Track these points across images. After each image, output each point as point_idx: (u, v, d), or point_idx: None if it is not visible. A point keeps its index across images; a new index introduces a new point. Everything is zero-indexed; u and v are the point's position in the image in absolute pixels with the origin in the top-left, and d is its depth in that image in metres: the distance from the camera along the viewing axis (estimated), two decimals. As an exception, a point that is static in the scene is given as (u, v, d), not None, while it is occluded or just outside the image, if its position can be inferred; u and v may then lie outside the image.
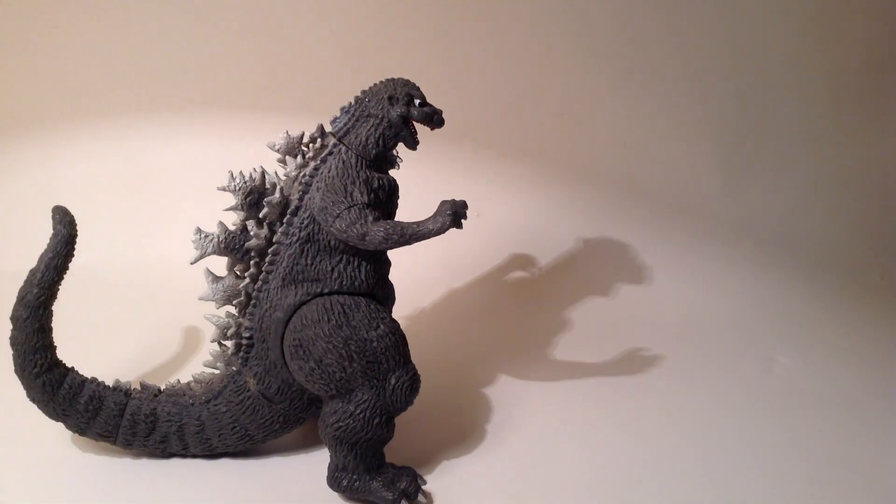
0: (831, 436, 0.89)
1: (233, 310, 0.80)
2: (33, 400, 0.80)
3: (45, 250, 0.78)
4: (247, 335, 0.78)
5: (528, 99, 1.41)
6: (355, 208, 0.75)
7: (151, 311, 1.18)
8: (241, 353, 0.79)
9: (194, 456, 0.82)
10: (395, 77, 0.82)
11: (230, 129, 1.42)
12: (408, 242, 0.74)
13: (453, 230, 0.75)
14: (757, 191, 1.45)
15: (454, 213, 0.74)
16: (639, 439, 0.88)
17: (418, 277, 1.30)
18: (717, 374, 1.03)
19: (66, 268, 0.79)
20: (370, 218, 0.74)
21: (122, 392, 0.81)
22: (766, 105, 1.45)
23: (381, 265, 0.80)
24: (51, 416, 0.80)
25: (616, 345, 1.10)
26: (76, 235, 0.78)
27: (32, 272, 0.78)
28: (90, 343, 1.01)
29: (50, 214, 0.78)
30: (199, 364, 0.87)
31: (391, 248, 0.75)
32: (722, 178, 1.44)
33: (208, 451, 0.82)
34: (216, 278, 0.79)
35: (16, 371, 0.79)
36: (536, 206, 1.41)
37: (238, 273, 0.79)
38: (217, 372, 0.82)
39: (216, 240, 0.78)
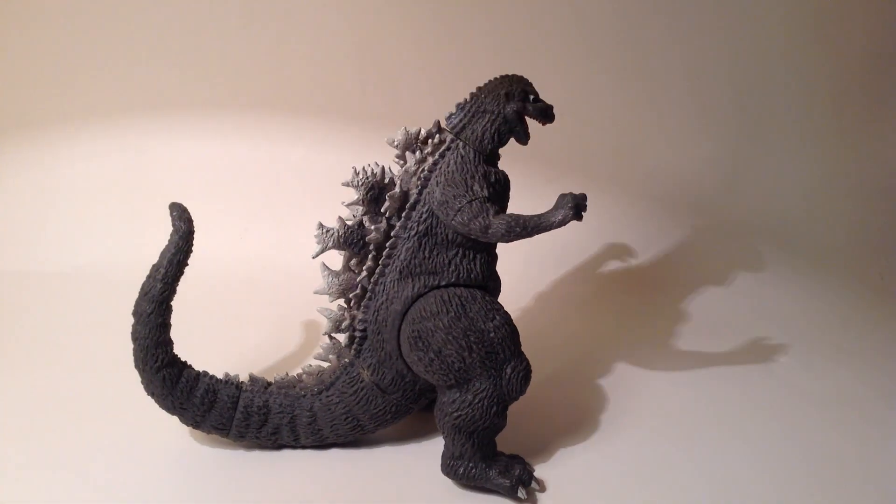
0: (831, 436, 0.89)
1: (340, 303, 0.82)
2: (152, 394, 0.81)
3: (167, 246, 0.79)
4: (361, 328, 0.80)
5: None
6: (476, 202, 0.76)
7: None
8: (354, 346, 0.81)
9: (304, 447, 0.84)
10: (510, 73, 0.84)
11: (230, 130, 1.43)
12: (529, 234, 0.76)
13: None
14: (757, 190, 1.45)
15: (576, 206, 0.76)
16: (635, 436, 0.88)
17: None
18: (717, 373, 1.03)
19: (186, 263, 0.80)
20: (491, 211, 0.76)
21: (233, 385, 0.82)
22: (766, 105, 1.45)
23: (493, 258, 0.82)
24: (168, 410, 0.81)
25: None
26: (194, 231, 0.80)
27: (155, 268, 0.79)
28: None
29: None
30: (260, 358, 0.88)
31: (512, 240, 0.76)
32: (722, 178, 1.44)
33: (318, 442, 0.84)
34: (331, 273, 0.81)
35: (136, 365, 0.80)
36: (537, 207, 1.41)
37: (352, 267, 0.81)
38: (325, 364, 0.84)
39: (336, 234, 0.79)
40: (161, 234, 1.37)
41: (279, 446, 0.84)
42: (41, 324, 1.14)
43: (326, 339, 0.83)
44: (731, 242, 1.38)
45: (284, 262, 1.36)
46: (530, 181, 1.42)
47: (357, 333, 0.81)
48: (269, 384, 0.84)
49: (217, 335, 1.10)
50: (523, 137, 0.84)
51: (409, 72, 1.40)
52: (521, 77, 0.84)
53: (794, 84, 1.44)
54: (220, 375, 0.83)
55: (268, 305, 1.21)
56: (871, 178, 1.49)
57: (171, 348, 0.81)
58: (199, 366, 0.84)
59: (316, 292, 0.81)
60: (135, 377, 0.98)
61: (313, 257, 0.80)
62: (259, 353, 1.06)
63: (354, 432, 0.83)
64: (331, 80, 1.40)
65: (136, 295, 1.24)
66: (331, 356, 0.83)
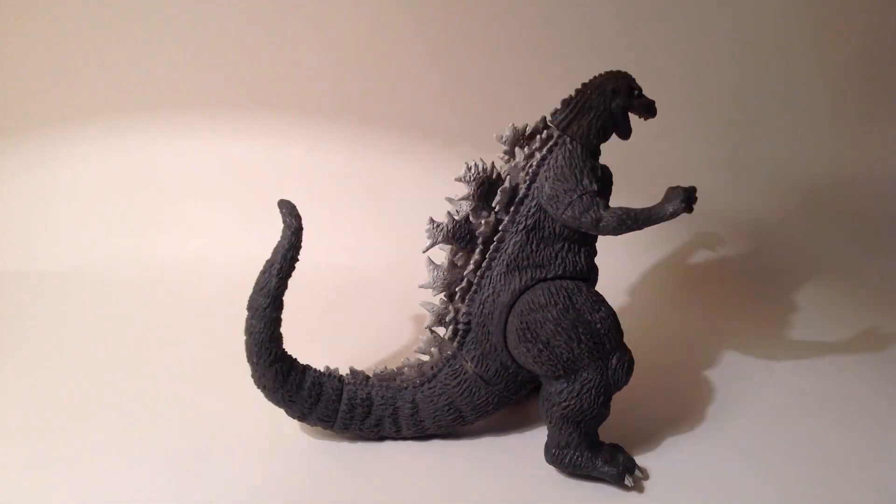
0: (831, 436, 0.89)
1: (441, 297, 0.83)
2: (263, 387, 0.82)
3: (281, 242, 0.81)
4: (465, 320, 0.82)
5: (527, 99, 1.41)
6: (587, 196, 0.78)
7: (152, 312, 1.19)
8: (457, 338, 0.83)
9: (404, 438, 0.86)
10: (614, 69, 0.86)
11: (230, 130, 1.43)
12: (640, 227, 0.78)
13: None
14: (756, 190, 1.45)
15: (687, 198, 0.78)
16: (633, 437, 0.88)
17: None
18: (716, 373, 1.03)
19: (297, 259, 0.82)
20: (602, 205, 0.78)
21: (336, 378, 0.84)
22: (765, 105, 1.45)
23: (594, 251, 0.84)
24: (276, 402, 0.83)
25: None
26: (303, 227, 0.81)
27: (270, 263, 0.81)
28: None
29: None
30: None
31: (622, 233, 0.78)
32: (720, 178, 1.44)
33: (419, 433, 0.85)
34: (436, 267, 0.83)
35: (249, 358, 0.82)
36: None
37: (455, 261, 0.82)
38: (425, 357, 0.86)
39: (445, 229, 0.81)
40: (161, 233, 1.39)
41: (380, 438, 0.86)
42: (41, 324, 1.14)
43: (427, 333, 0.85)
44: (728, 242, 1.38)
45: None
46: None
47: (461, 326, 0.82)
48: (369, 377, 0.85)
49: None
50: (626, 133, 0.86)
51: (409, 72, 1.40)
52: (626, 73, 0.86)
53: (793, 84, 1.44)
54: (334, 368, 0.85)
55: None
56: (871, 178, 1.49)
57: (282, 343, 0.83)
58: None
59: (421, 286, 0.83)
60: (134, 377, 0.98)
61: (424, 252, 0.82)
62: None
63: (455, 423, 0.85)
64: (331, 80, 1.40)
65: (136, 295, 1.25)
66: (432, 349, 0.84)
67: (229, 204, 1.41)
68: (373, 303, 1.23)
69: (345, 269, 1.34)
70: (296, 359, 0.84)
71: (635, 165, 1.44)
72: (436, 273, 0.82)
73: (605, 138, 0.84)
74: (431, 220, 0.81)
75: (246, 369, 1.01)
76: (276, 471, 0.82)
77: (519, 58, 1.39)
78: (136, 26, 1.39)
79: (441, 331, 0.84)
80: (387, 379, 0.85)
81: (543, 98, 1.43)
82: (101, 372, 1.00)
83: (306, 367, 0.84)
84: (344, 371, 0.86)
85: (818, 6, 1.41)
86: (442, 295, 0.83)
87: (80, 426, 0.88)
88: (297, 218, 0.81)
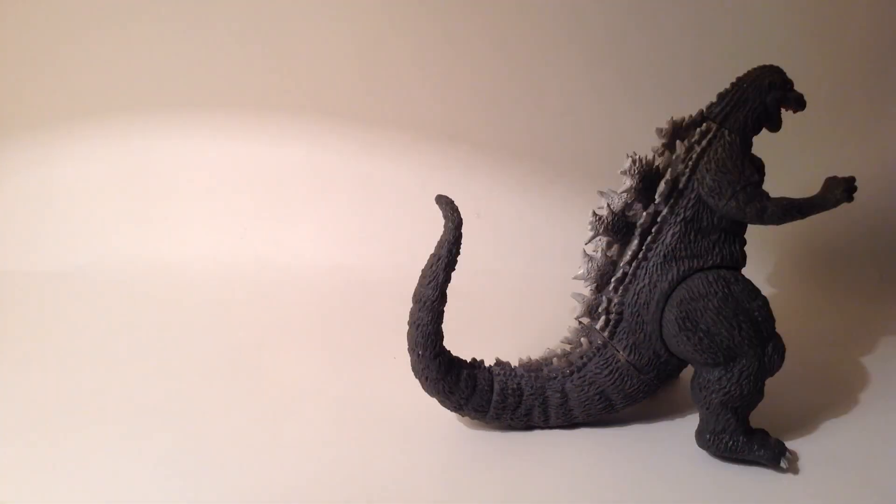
0: (831, 436, 0.89)
1: (588, 288, 0.85)
2: (425, 378, 0.84)
3: (445, 237, 0.83)
4: (617, 310, 0.84)
5: (528, 99, 1.41)
6: (750, 187, 0.81)
7: (152, 312, 1.19)
8: (608, 328, 0.84)
9: (552, 427, 0.87)
10: (768, 64, 0.89)
11: (231, 129, 1.43)
12: (803, 216, 0.82)
13: None
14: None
15: (847, 189, 0.81)
16: (631, 437, 0.88)
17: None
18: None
19: (459, 252, 0.84)
20: (765, 195, 0.81)
21: (486, 370, 0.86)
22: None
23: (744, 241, 0.85)
24: (434, 393, 0.84)
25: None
26: (462, 221, 0.83)
27: (436, 257, 0.83)
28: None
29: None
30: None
31: (786, 222, 0.82)
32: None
33: (567, 422, 0.87)
34: (591, 258, 0.85)
35: (413, 349, 0.84)
36: (536, 206, 1.41)
37: (608, 253, 0.84)
38: (568, 347, 0.88)
39: (606, 221, 0.83)
40: (161, 233, 1.39)
41: (528, 427, 0.87)
42: (41, 324, 1.14)
43: (575, 323, 0.87)
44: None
45: (284, 262, 1.36)
46: (530, 181, 1.42)
47: (613, 316, 0.84)
48: (515, 367, 0.87)
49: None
50: (777, 125, 0.88)
51: (409, 72, 1.40)
52: (778, 67, 0.89)
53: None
54: (479, 360, 0.87)
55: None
56: (871, 177, 1.49)
57: (443, 336, 0.84)
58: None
59: (575, 278, 0.85)
60: (134, 377, 0.98)
61: (586, 244, 0.84)
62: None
63: (604, 412, 0.86)
64: (331, 80, 1.40)
65: (136, 295, 1.25)
66: (582, 339, 0.86)
67: (229, 204, 1.41)
68: (372, 303, 1.23)
69: (345, 269, 1.34)
70: (450, 351, 0.85)
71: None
72: (590, 265, 0.84)
73: (758, 131, 0.86)
74: (594, 214, 0.83)
75: (245, 369, 1.01)
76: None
77: (519, 58, 1.39)
78: (137, 26, 1.38)
79: (585, 320, 0.86)
80: (534, 369, 0.87)
81: (543, 98, 1.44)
82: (100, 372, 1.00)
83: (461, 360, 0.86)
84: (489, 362, 0.88)
85: (819, 6, 1.41)
86: (592, 286, 0.85)
87: (80, 426, 0.88)
88: (457, 212, 0.83)
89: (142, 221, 1.39)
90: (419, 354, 0.83)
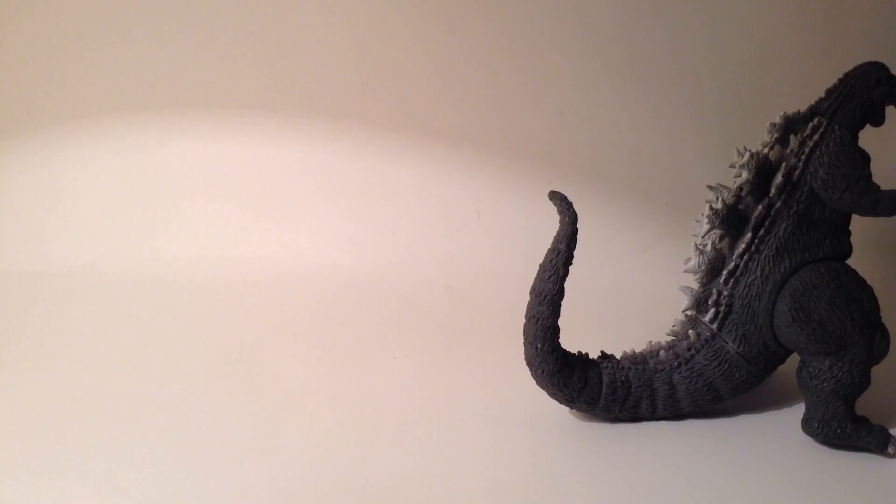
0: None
1: (695, 281, 0.88)
2: (542, 371, 0.86)
3: (562, 231, 0.85)
4: (727, 302, 0.86)
5: (528, 99, 1.41)
6: (863, 180, 0.84)
7: (151, 312, 1.19)
8: (717, 320, 0.87)
9: (658, 419, 0.89)
10: (873, 60, 0.91)
11: (230, 129, 1.43)
12: None
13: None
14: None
15: None
16: (631, 436, 0.88)
17: (418, 277, 1.31)
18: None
19: (575, 246, 0.86)
20: (877, 187, 0.84)
21: (594, 363, 0.88)
22: (766, 105, 1.45)
23: (849, 233, 0.88)
24: (550, 386, 0.86)
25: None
26: (577, 216, 0.85)
27: (555, 251, 0.85)
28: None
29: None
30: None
31: None
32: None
33: (673, 413, 0.89)
34: (701, 252, 0.87)
35: (532, 342, 0.85)
36: (536, 206, 1.41)
37: (717, 246, 0.87)
38: (669, 339, 0.90)
39: (721, 214, 0.85)
40: (161, 233, 1.39)
41: (635, 418, 0.89)
42: (41, 324, 1.14)
43: (681, 316, 0.90)
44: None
45: (284, 262, 1.36)
46: (530, 181, 1.42)
47: (722, 308, 0.86)
48: (619, 360, 0.89)
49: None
50: (881, 120, 0.90)
51: (409, 71, 1.40)
52: (883, 63, 0.90)
53: (795, 84, 1.43)
54: (584, 353, 0.89)
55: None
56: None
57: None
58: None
59: (686, 271, 0.89)
60: (134, 376, 0.98)
61: (702, 236, 0.87)
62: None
63: (711, 403, 0.88)
64: (331, 80, 1.40)
65: (136, 295, 1.25)
66: (689, 331, 0.88)
67: (229, 204, 1.41)
68: (372, 303, 1.23)
69: (345, 269, 1.34)
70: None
71: (636, 164, 1.44)
72: (701, 258, 0.87)
73: (863, 125, 0.88)
74: (710, 208, 0.86)
75: (245, 369, 1.01)
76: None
77: (519, 57, 1.39)
78: (137, 26, 1.38)
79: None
80: (639, 362, 0.89)
81: (544, 98, 1.43)
82: (100, 371, 1.00)
83: (572, 353, 0.88)
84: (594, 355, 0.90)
85: (819, 5, 1.40)
86: (701, 278, 0.88)
87: (80, 426, 0.88)
88: (571, 207, 0.85)
89: (142, 221, 1.39)
90: (538, 348, 0.85)
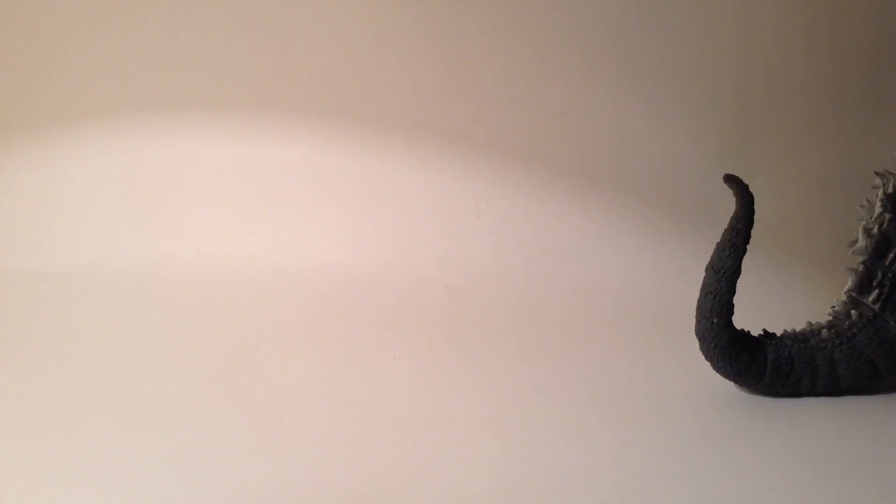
0: (831, 436, 0.89)
1: (861, 262, 0.91)
2: (715, 345, 0.90)
3: (738, 212, 0.90)
4: (891, 283, 0.90)
5: (528, 99, 1.41)
6: None
7: (152, 312, 1.18)
8: (880, 301, 0.91)
9: (817, 395, 0.92)
10: None
11: (230, 129, 1.43)
12: None
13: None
14: (757, 191, 1.45)
15: None
16: (632, 436, 0.87)
17: (418, 277, 1.31)
18: (716, 373, 1.03)
19: (752, 226, 0.90)
20: None
21: (759, 341, 0.92)
22: (767, 105, 1.45)
23: None
24: (717, 360, 0.91)
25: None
26: (753, 197, 0.90)
27: (733, 230, 0.89)
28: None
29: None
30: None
31: None
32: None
33: (832, 390, 0.92)
34: (868, 234, 0.91)
35: (708, 317, 0.90)
36: (536, 206, 1.41)
37: (884, 229, 0.90)
38: (831, 318, 0.94)
39: (893, 199, 0.90)
40: (161, 233, 1.39)
41: (795, 394, 0.92)
42: (41, 324, 1.14)
43: (843, 296, 0.93)
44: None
45: (284, 262, 1.36)
46: (530, 181, 1.42)
47: (886, 290, 0.90)
48: (780, 337, 0.93)
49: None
50: None
51: (410, 71, 1.40)
52: None
53: (794, 84, 1.44)
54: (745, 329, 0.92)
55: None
56: (871, 178, 1.49)
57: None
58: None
59: (853, 252, 0.92)
60: (133, 376, 0.98)
61: (873, 219, 0.91)
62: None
63: (870, 380, 0.92)
64: (331, 79, 1.40)
65: (136, 295, 1.25)
66: (851, 311, 0.92)
67: (229, 204, 1.41)
68: (372, 303, 1.23)
69: (345, 269, 1.34)
70: None
71: (636, 164, 1.44)
72: (868, 240, 0.90)
73: None
74: (883, 192, 0.91)
75: (245, 369, 1.01)
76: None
77: (519, 57, 1.39)
78: (137, 26, 1.38)
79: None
80: (801, 340, 0.92)
81: (543, 98, 1.43)
82: (100, 372, 1.00)
83: (739, 330, 0.91)
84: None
85: (819, 6, 1.40)
86: (866, 260, 0.91)
87: (80, 426, 0.87)
88: (747, 189, 0.90)
89: (142, 221, 1.39)
90: (713, 322, 0.89)
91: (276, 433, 0.87)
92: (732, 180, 0.91)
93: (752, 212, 0.89)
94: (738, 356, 0.90)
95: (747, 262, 0.91)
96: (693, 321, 1.20)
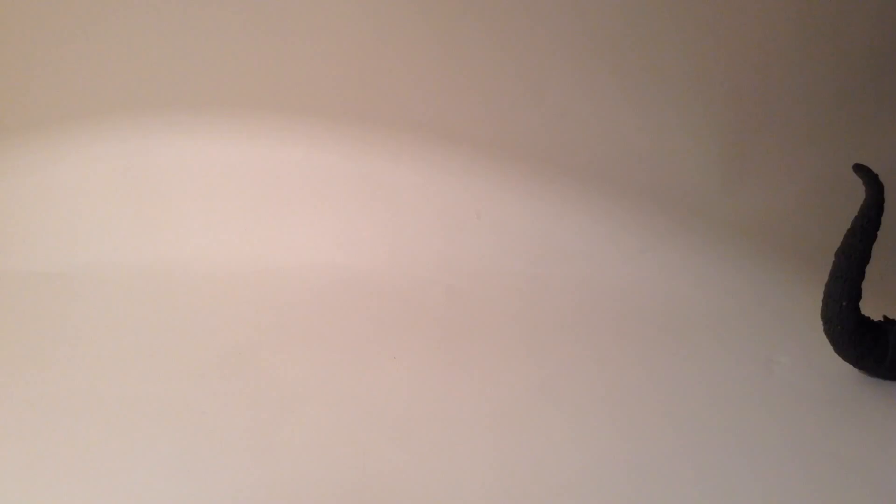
0: (831, 436, 0.89)
1: None
2: (842, 327, 0.93)
3: (868, 201, 0.93)
4: None
5: (528, 99, 1.41)
6: None
7: (151, 312, 1.19)
8: None
9: None
10: None
11: (230, 129, 1.43)
12: None
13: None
14: (758, 191, 1.45)
15: None
16: (633, 437, 0.88)
17: (418, 277, 1.31)
18: (717, 373, 1.03)
19: (882, 213, 0.93)
20: None
21: (881, 326, 0.95)
22: (767, 104, 1.45)
23: None
24: (842, 342, 0.94)
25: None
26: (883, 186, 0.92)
27: (864, 218, 0.93)
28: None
29: (856, 171, 0.95)
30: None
31: None
32: (723, 178, 1.44)
33: None
34: None
35: (838, 300, 0.93)
36: (537, 207, 1.41)
37: None
38: None
39: None
40: (161, 233, 1.39)
41: None
42: (41, 324, 1.14)
43: None
44: (731, 242, 1.38)
45: (284, 262, 1.36)
46: (530, 181, 1.42)
47: None
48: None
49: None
50: None
51: (410, 71, 1.40)
52: None
53: (793, 84, 1.44)
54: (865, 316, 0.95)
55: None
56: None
57: None
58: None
59: None
60: (133, 377, 0.98)
61: None
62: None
63: None
64: (330, 79, 1.40)
65: (135, 295, 1.25)
66: None
67: (229, 204, 1.41)
68: (372, 303, 1.23)
69: (345, 269, 1.34)
70: None
71: (636, 164, 1.44)
72: None
73: None
74: None
75: (245, 369, 1.01)
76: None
77: (519, 57, 1.39)
78: (136, 26, 1.38)
79: None
80: None
81: (543, 98, 1.43)
82: (100, 372, 1.00)
83: (864, 315, 0.94)
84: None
85: (820, 6, 1.40)
86: None
87: (79, 426, 0.88)
88: (877, 178, 0.92)
89: (141, 221, 1.39)
90: (842, 305, 0.92)
91: (276, 433, 0.87)
92: (862, 170, 0.93)
93: (882, 199, 0.92)
94: (862, 339, 0.93)
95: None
96: (695, 321, 1.21)
